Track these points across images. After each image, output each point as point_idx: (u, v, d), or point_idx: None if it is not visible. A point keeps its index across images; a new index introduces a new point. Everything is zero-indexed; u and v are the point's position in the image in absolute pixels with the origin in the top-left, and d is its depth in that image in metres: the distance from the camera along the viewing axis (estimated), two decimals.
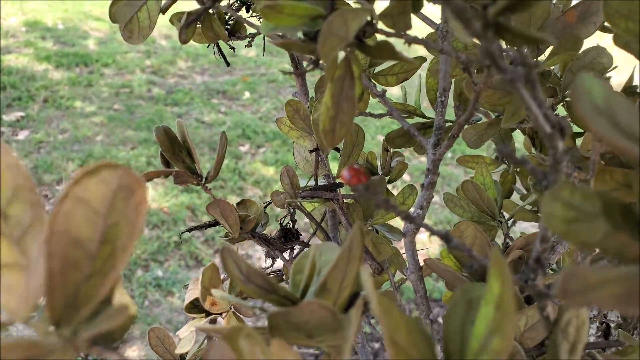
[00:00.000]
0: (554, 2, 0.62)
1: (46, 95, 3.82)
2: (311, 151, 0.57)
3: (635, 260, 0.20)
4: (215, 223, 0.55)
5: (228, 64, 0.61)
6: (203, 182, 0.51)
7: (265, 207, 0.61)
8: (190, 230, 0.56)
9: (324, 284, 0.27)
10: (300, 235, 0.62)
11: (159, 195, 2.90)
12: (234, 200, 3.14)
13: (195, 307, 0.47)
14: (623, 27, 0.36)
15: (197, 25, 0.50)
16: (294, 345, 0.29)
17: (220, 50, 0.60)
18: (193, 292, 0.45)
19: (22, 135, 3.38)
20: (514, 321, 0.21)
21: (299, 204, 0.64)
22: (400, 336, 0.23)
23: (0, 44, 4.43)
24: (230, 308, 0.47)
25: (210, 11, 0.48)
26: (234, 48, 0.60)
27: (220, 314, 0.47)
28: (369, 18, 0.33)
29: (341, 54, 0.36)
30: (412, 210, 0.55)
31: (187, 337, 0.46)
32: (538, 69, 0.49)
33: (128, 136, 3.44)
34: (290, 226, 0.61)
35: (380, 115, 0.55)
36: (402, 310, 0.24)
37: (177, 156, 0.48)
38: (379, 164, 0.67)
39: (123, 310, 0.21)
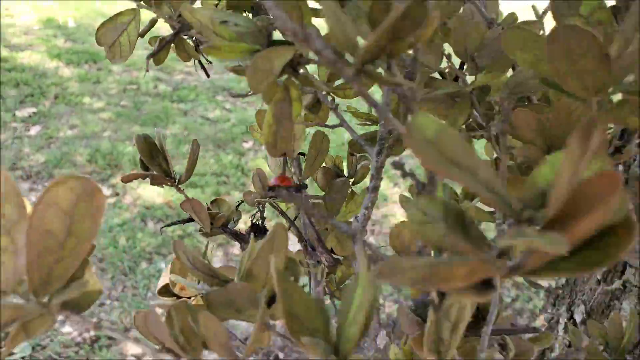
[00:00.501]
0: (499, 22, 0.69)
1: (57, 91, 3.91)
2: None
3: (461, 255, 0.27)
4: (190, 219, 0.62)
5: (208, 76, 0.68)
6: (176, 183, 0.58)
7: (238, 205, 0.68)
8: (169, 225, 0.63)
9: (249, 270, 0.34)
10: (268, 230, 0.69)
11: (164, 190, 2.98)
12: (237, 195, 3.22)
13: (167, 291, 0.54)
14: (519, 57, 0.43)
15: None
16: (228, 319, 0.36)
17: (200, 64, 0.67)
18: (165, 278, 0.53)
19: (34, 130, 3.47)
20: (372, 300, 0.28)
21: (274, 202, 0.71)
22: (297, 310, 0.30)
23: (9, 42, 4.53)
24: (199, 292, 0.54)
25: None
26: (211, 62, 0.67)
27: (190, 297, 0.54)
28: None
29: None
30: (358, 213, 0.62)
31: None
32: (472, 86, 0.56)
33: (135, 132, 3.52)
34: (260, 223, 0.68)
35: (333, 126, 0.62)
36: (303, 292, 0.31)
37: (154, 160, 0.56)
38: (345, 167, 0.74)
39: (84, 285, 0.29)
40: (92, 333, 2.13)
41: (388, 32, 0.24)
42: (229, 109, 3.96)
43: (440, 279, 0.23)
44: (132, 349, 2.12)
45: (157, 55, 0.53)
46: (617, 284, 0.93)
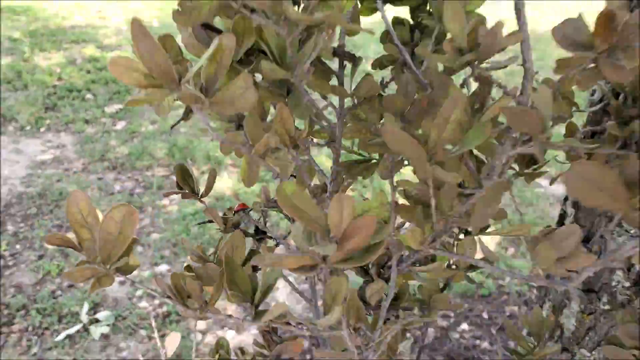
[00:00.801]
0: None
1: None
2: (275, 177, 0.91)
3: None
4: (211, 221, 0.90)
5: None
6: (200, 197, 0.86)
7: (248, 212, 0.94)
8: (200, 224, 0.91)
9: (219, 257, 0.60)
10: (267, 231, 0.95)
11: (233, 183, 3.31)
12: None
13: (191, 269, 0.82)
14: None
15: None
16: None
17: None
18: (186, 262, 0.79)
19: (119, 125, 3.92)
20: (275, 274, 0.54)
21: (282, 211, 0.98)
22: (235, 279, 0.57)
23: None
24: None
25: None
26: None
27: None
28: None
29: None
30: None
31: None
32: None
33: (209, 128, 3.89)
34: (263, 225, 0.94)
35: (303, 161, 0.88)
36: (241, 268, 0.57)
37: (185, 181, 0.84)
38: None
39: (127, 260, 0.57)
40: (165, 309, 2.46)
41: (265, 143, 0.49)
42: None
43: (283, 264, 0.48)
44: (199, 324, 2.44)
45: (185, 118, 0.81)
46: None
